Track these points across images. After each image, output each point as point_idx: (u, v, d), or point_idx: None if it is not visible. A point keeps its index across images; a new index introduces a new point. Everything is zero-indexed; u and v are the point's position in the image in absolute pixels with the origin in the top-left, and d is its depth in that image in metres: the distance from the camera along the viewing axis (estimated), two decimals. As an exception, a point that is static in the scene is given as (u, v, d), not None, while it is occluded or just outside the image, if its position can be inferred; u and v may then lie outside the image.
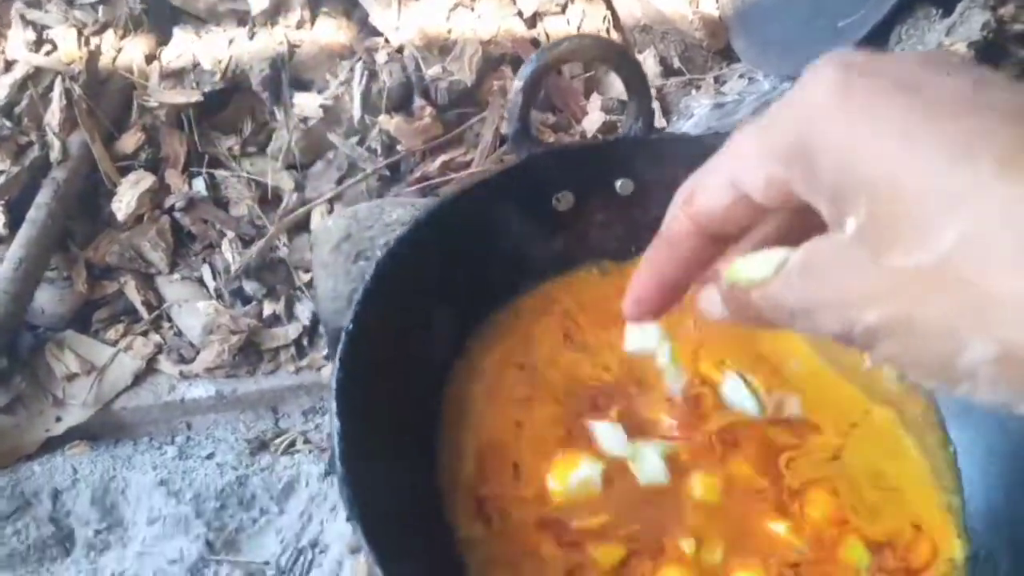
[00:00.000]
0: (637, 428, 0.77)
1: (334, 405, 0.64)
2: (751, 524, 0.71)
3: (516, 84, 0.83)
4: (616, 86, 1.53)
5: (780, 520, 0.71)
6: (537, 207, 0.88)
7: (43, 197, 1.35)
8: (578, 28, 1.56)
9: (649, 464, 0.74)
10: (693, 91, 1.49)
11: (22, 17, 1.45)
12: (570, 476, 0.74)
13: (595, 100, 1.54)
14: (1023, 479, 0.69)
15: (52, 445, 1.29)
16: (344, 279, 0.93)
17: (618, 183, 0.90)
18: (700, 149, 0.90)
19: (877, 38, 1.24)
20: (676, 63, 1.53)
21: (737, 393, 0.78)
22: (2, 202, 1.34)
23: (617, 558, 0.69)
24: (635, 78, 0.87)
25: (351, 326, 0.69)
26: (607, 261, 0.93)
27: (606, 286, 0.92)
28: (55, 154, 1.38)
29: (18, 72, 1.39)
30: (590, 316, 0.88)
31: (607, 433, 0.75)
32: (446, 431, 0.76)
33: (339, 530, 1.21)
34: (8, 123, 1.38)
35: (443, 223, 0.81)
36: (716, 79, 1.50)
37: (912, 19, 1.20)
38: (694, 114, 1.45)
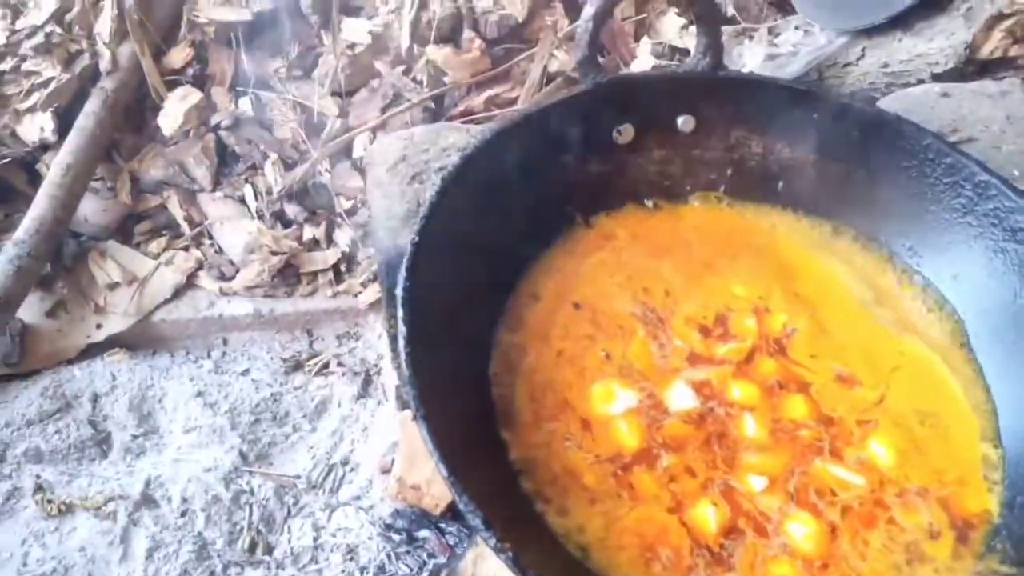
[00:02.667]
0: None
1: (400, 312, 0.64)
2: (803, 465, 0.72)
3: (587, 10, 0.82)
4: (667, 31, 1.51)
5: (833, 462, 0.72)
6: (598, 138, 0.88)
7: (92, 106, 1.35)
8: (634, -31, 1.54)
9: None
10: (746, 40, 1.47)
11: (77, -78, 1.43)
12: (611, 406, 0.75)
13: (645, 44, 1.52)
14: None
15: (92, 352, 1.32)
16: (399, 200, 0.93)
17: (680, 119, 0.90)
18: (767, 92, 0.91)
19: (941, -5, 1.22)
20: (730, 11, 1.51)
21: None
22: (52, 109, 1.35)
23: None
24: (706, 11, 0.86)
25: (417, 238, 0.70)
26: (662, 199, 0.93)
27: (659, 220, 0.93)
28: (105, 64, 1.37)
29: (70, -22, 1.38)
30: (643, 247, 0.89)
31: None
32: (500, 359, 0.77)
33: (370, 450, 1.23)
34: (59, 30, 1.37)
35: (506, 145, 0.81)
36: (770, 30, 1.48)
37: (982, -24, 1.17)
38: (746, 64, 1.43)
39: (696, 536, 0.68)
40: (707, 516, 0.68)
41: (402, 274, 0.67)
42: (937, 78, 1.23)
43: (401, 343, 0.63)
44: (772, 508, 0.69)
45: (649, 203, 0.93)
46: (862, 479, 0.70)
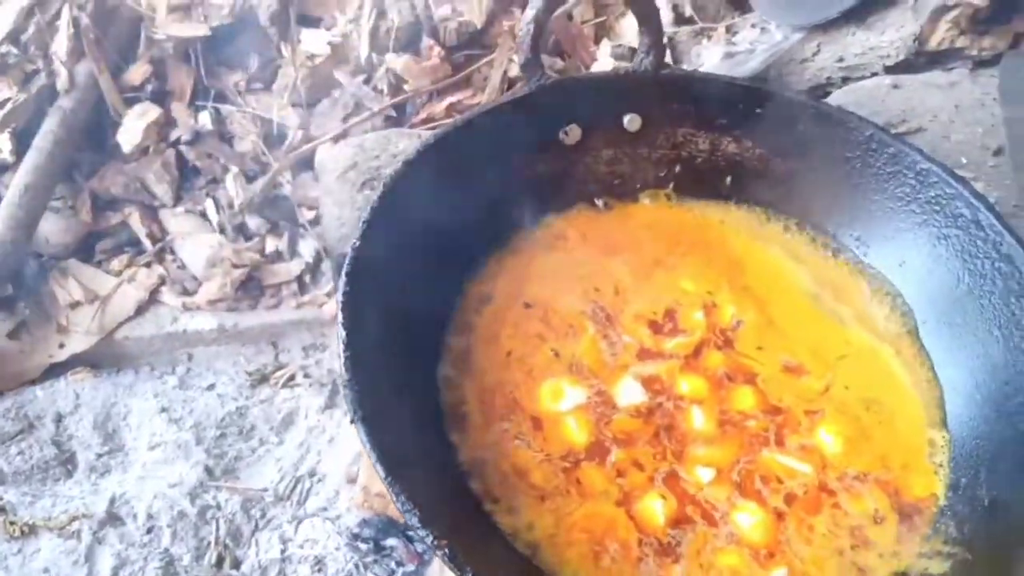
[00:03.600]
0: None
1: (340, 317, 0.64)
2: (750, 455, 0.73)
3: (528, 12, 0.83)
4: (626, 33, 1.52)
5: (779, 451, 0.72)
6: (545, 139, 0.89)
7: (49, 125, 1.35)
8: (590, -26, 1.55)
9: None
10: (704, 40, 1.48)
11: (30, -58, 1.43)
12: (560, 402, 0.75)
13: (605, 46, 1.53)
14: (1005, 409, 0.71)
15: (55, 371, 1.31)
16: (350, 207, 0.93)
17: (626, 118, 0.91)
18: (710, 88, 0.92)
19: (892, -11, 1.23)
20: (688, 11, 1.52)
21: None
22: (9, 129, 1.34)
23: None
24: (647, 12, 0.87)
25: (358, 242, 0.70)
26: (612, 198, 0.94)
27: (609, 219, 0.93)
28: (62, 83, 1.37)
29: (24, -2, 1.38)
30: (593, 247, 0.89)
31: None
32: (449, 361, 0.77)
33: (337, 460, 1.23)
34: (15, 50, 1.37)
35: (451, 148, 0.82)
36: (728, 29, 1.49)
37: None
38: (704, 63, 1.44)
39: (644, 528, 0.68)
40: (655, 509, 0.68)
41: (341, 279, 0.67)
42: (890, 70, 1.25)
43: (340, 346, 0.63)
44: (720, 499, 0.70)
45: (600, 203, 0.94)
46: (808, 467, 0.71)
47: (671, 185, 0.94)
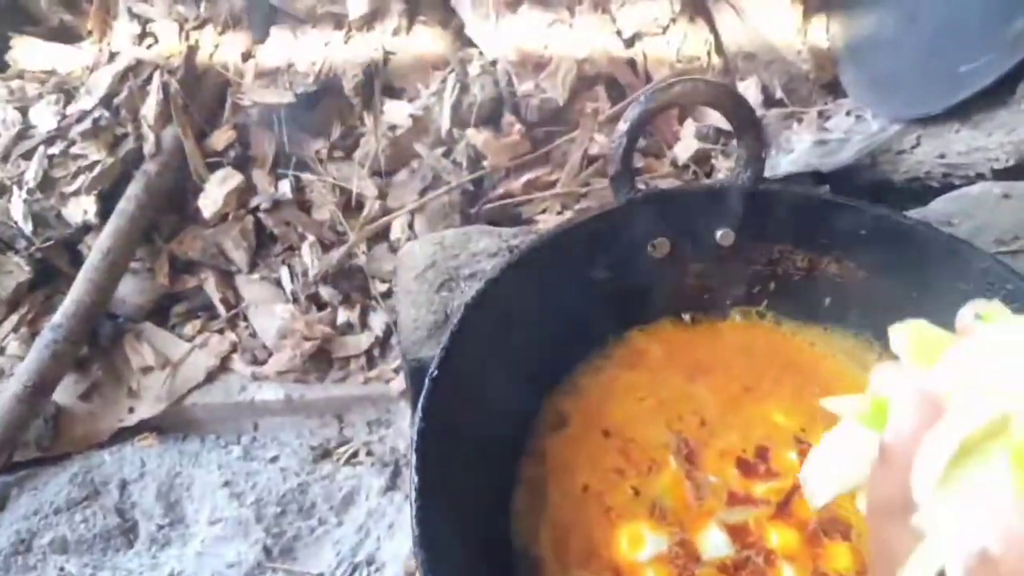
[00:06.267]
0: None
1: (414, 459, 0.61)
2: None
3: (621, 126, 0.79)
4: (712, 114, 1.48)
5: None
6: (632, 254, 0.85)
7: (134, 189, 1.37)
8: (677, 51, 1.51)
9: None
10: (795, 124, 1.43)
11: (129, 10, 1.47)
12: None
13: (689, 126, 1.49)
14: None
15: (123, 435, 1.31)
16: (427, 308, 0.90)
17: (719, 233, 0.86)
18: (811, 206, 0.87)
19: (1001, 87, 1.16)
20: (779, 94, 1.47)
21: None
22: (96, 191, 1.36)
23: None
24: (747, 125, 0.82)
25: (436, 372, 0.67)
26: (699, 313, 0.89)
27: (695, 336, 0.88)
28: (148, 147, 1.39)
29: (120, 64, 1.41)
30: (678, 366, 0.85)
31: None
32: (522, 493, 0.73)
33: (395, 549, 1.19)
34: (107, 113, 1.40)
35: (532, 266, 0.78)
36: (820, 113, 1.43)
37: (1045, 71, 1.12)
38: (795, 149, 1.39)
39: None
40: None
41: (417, 415, 0.64)
42: (998, 175, 1.17)
43: (412, 495, 0.60)
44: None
45: (686, 317, 0.89)
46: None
47: (764, 303, 0.89)
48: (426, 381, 0.67)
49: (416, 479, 0.60)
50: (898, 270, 0.84)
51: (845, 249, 0.85)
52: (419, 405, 0.65)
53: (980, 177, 1.20)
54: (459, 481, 0.66)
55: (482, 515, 0.70)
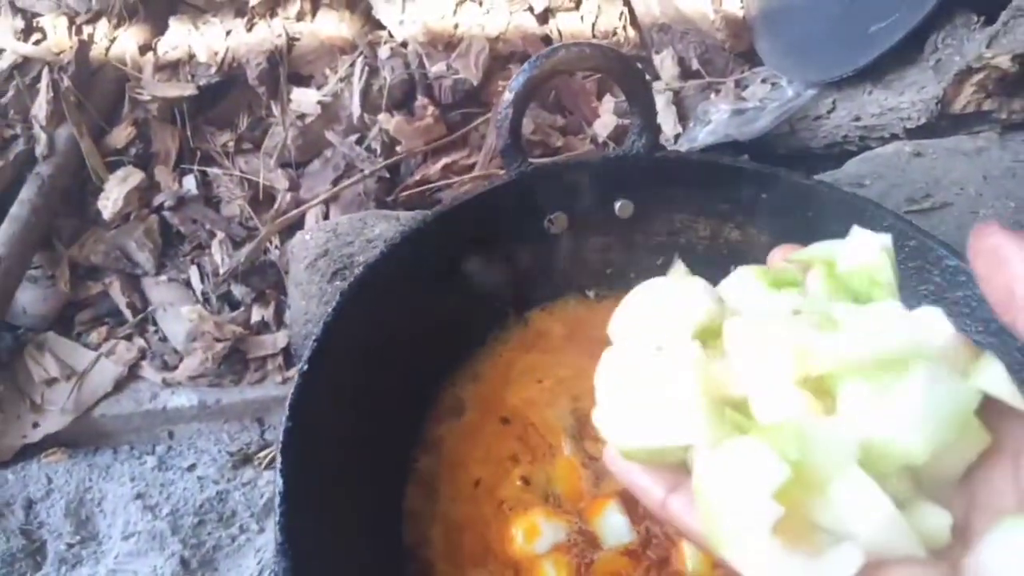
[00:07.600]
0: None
1: (279, 461, 0.57)
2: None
3: (506, 96, 0.75)
4: (630, 88, 1.45)
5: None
6: (527, 230, 0.81)
7: (27, 193, 1.29)
8: (592, 26, 1.48)
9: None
10: (712, 95, 1.41)
11: (11, 4, 1.39)
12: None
13: (607, 102, 1.45)
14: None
15: (28, 452, 1.24)
16: (318, 300, 0.86)
17: (617, 204, 0.83)
18: (709, 173, 0.84)
19: (911, 45, 1.15)
20: (695, 65, 1.44)
21: None
22: (-16, 197, 1.29)
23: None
24: (639, 91, 0.79)
25: (306, 366, 0.63)
26: (604, 289, 0.86)
27: (599, 312, 0.85)
28: (41, 148, 1.32)
29: (4, 61, 1.34)
30: (579, 346, 0.81)
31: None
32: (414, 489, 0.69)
33: (320, 554, 1.15)
34: (-6, 115, 1.32)
35: (421, 246, 0.74)
36: (737, 83, 1.41)
37: (950, 27, 1.10)
38: (712, 120, 1.36)
39: None
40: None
41: (284, 413, 0.59)
42: (911, 133, 1.16)
43: (276, 500, 0.55)
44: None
45: (591, 294, 0.86)
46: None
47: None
48: (295, 376, 0.62)
49: (281, 483, 0.56)
50: (802, 233, 0.81)
51: (747, 214, 0.83)
52: (287, 403, 0.60)
53: (895, 137, 1.19)
54: (339, 482, 0.62)
55: (370, 517, 0.66)
